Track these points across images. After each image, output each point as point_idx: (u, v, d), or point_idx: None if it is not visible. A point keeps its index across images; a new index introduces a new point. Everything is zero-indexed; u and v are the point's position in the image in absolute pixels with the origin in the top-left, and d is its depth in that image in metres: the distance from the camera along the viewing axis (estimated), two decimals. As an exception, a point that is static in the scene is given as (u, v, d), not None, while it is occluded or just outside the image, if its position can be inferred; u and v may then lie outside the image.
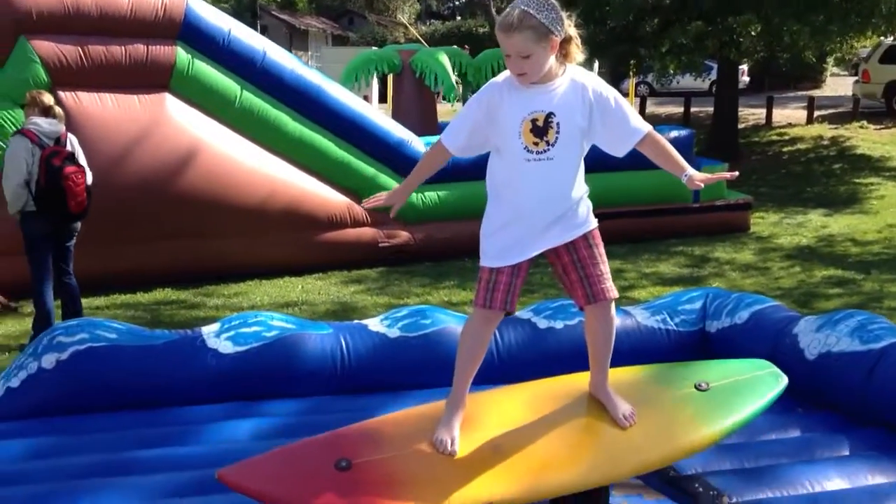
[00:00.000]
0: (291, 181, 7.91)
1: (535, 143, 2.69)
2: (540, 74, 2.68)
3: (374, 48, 17.79)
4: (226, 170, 7.59)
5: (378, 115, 8.72)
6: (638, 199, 9.18)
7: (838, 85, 25.84)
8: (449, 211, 8.37)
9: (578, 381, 3.07)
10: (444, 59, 12.18)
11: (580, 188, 2.83)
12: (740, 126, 17.05)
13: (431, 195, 8.38)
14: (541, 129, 2.69)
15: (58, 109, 5.79)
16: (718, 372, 3.15)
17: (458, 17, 36.82)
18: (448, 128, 2.84)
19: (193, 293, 7.32)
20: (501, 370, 4.23)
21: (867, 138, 16.65)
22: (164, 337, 4.18)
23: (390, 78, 13.51)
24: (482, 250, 2.83)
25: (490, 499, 2.59)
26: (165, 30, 7.46)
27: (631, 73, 19.39)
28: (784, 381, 3.15)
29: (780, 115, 19.33)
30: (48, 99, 5.76)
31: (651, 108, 21.63)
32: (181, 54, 7.52)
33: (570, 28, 2.70)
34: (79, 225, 5.83)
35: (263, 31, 29.93)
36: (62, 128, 5.72)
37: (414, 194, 7.80)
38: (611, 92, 2.79)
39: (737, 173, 3.13)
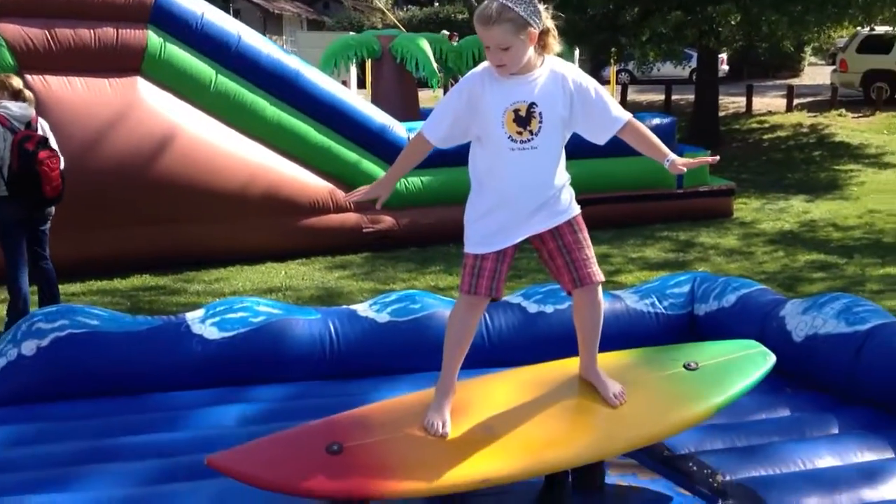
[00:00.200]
0: (271, 166, 7.83)
1: (519, 133, 2.74)
2: (519, 65, 2.72)
3: (351, 33, 17.68)
4: (203, 154, 7.49)
5: (359, 101, 8.65)
6: (622, 185, 9.19)
7: (816, 74, 26.04)
8: (433, 196, 8.33)
9: (568, 366, 3.10)
10: (425, 44, 12.12)
11: (563, 176, 2.88)
12: (721, 114, 17.14)
13: (415, 181, 8.33)
14: (524, 119, 2.74)
15: (28, 93, 5.68)
16: (707, 352, 3.19)
17: (437, 4, 36.66)
18: (428, 119, 2.87)
19: (173, 279, 7.24)
20: (492, 354, 4.21)
21: (846, 126, 16.79)
22: (147, 323, 4.11)
23: (369, 63, 13.42)
24: (466, 237, 2.87)
25: (484, 477, 2.59)
26: (136, 13, 7.34)
27: (612, 62, 19.42)
28: (772, 359, 3.18)
29: (760, 103, 19.45)
30: (17, 82, 5.65)
31: (632, 95, 21.70)
32: (153, 38, 7.40)
33: (547, 20, 2.75)
34: (53, 209, 5.75)
35: (236, 16, 29.65)
36: (32, 112, 5.62)
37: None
38: (590, 82, 2.85)
39: (717, 157, 3.20)
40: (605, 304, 4.47)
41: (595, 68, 23.80)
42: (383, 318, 4.27)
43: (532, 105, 2.74)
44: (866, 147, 14.94)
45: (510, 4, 2.64)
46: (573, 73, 2.83)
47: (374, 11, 34.63)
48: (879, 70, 19.43)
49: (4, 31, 6.92)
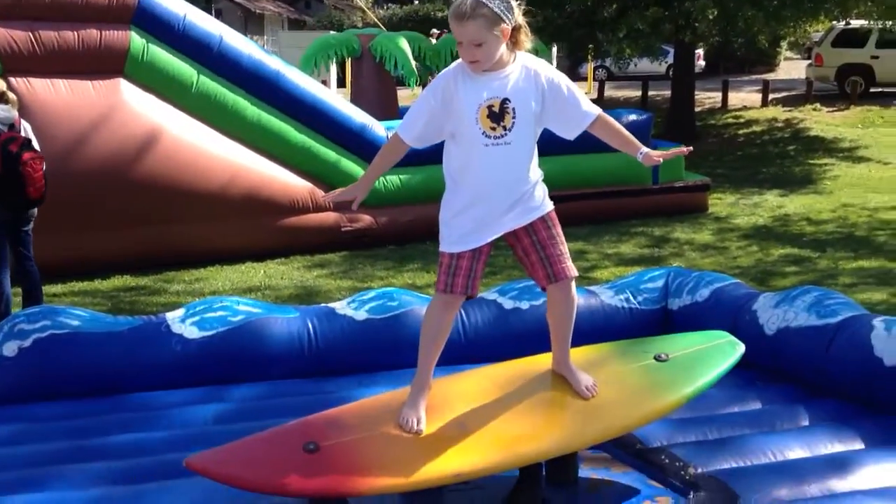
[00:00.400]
0: (251, 166, 7.85)
1: (493, 129, 2.78)
2: (492, 62, 2.77)
3: (332, 32, 17.66)
4: (184, 155, 7.50)
5: (339, 100, 8.68)
6: (598, 181, 9.26)
7: (792, 68, 26.26)
8: (411, 195, 8.37)
9: (541, 362, 3.15)
10: (404, 43, 12.15)
11: (536, 172, 2.93)
12: (697, 109, 17.27)
13: (394, 179, 8.37)
14: (497, 115, 2.78)
15: (11, 95, 5.70)
16: (677, 344, 3.25)
17: (416, 2, 36.65)
18: (404, 120, 2.91)
19: (153, 280, 7.25)
20: (468, 350, 4.26)
21: (820, 120, 16.97)
22: (128, 323, 4.14)
23: (349, 62, 13.43)
24: (442, 236, 2.91)
25: (457, 472, 2.64)
26: (119, 14, 7.34)
27: (589, 58, 19.52)
28: (741, 348, 3.25)
29: (736, 98, 19.61)
30: (1, 85, 5.66)
31: (609, 91, 21.81)
32: (136, 39, 7.41)
33: (519, 16, 2.79)
34: (35, 210, 5.75)
35: (217, 15, 29.53)
36: (15, 114, 5.64)
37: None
38: (562, 78, 2.91)
39: (691, 148, 3.25)
40: (579, 300, 4.58)
41: (573, 65, 23.90)
42: (361, 315, 4.31)
43: (505, 101, 2.78)
44: (840, 141, 15.11)
45: (484, 0, 2.69)
46: (545, 69, 2.88)
47: (355, 10, 34.58)
48: (854, 64, 19.65)
49: None
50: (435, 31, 16.36)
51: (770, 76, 23.06)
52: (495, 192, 2.84)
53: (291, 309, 4.40)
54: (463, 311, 4.41)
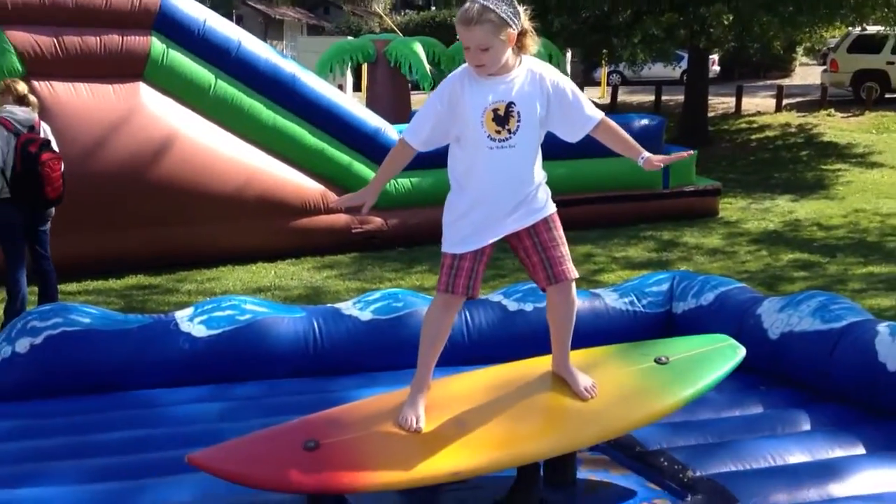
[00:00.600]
0: (266, 169, 7.93)
1: (498, 132, 2.82)
2: (498, 66, 2.80)
3: (349, 38, 17.76)
4: (201, 158, 7.59)
5: (353, 105, 8.75)
6: (609, 185, 9.28)
7: (807, 74, 26.15)
8: (422, 197, 8.41)
9: (541, 364, 3.16)
10: (419, 48, 12.23)
11: (539, 174, 2.96)
12: (710, 114, 17.24)
13: (404, 182, 8.42)
14: (502, 118, 2.82)
15: (32, 98, 5.81)
16: (678, 347, 3.26)
17: (433, 8, 36.73)
18: (410, 124, 2.95)
19: (166, 279, 7.32)
20: (472, 351, 4.30)
21: (834, 126, 16.89)
22: (138, 321, 4.20)
23: (364, 67, 13.52)
24: (444, 237, 2.95)
25: (454, 470, 2.66)
26: (141, 20, 7.44)
27: (603, 63, 19.51)
28: (742, 352, 3.26)
29: (750, 103, 19.55)
30: (22, 87, 5.77)
31: (623, 96, 21.79)
32: (156, 44, 7.51)
33: (525, 21, 2.83)
34: (53, 210, 5.85)
35: (238, 21, 29.69)
36: (35, 116, 5.75)
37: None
38: (567, 82, 2.94)
39: (692, 152, 3.25)
40: (584, 303, 4.62)
41: (587, 70, 23.90)
42: (366, 316, 4.35)
43: (510, 104, 2.82)
44: (854, 147, 15.04)
45: (490, 6, 2.73)
46: (550, 73, 2.91)
47: (373, 16, 34.73)
48: (869, 70, 19.57)
49: (14, 38, 7.03)
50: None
51: (785, 82, 22.95)
52: (499, 195, 2.87)
53: (298, 309, 4.45)
54: (467, 313, 4.45)
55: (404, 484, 2.67)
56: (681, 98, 17.75)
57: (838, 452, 3.40)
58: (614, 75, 25.30)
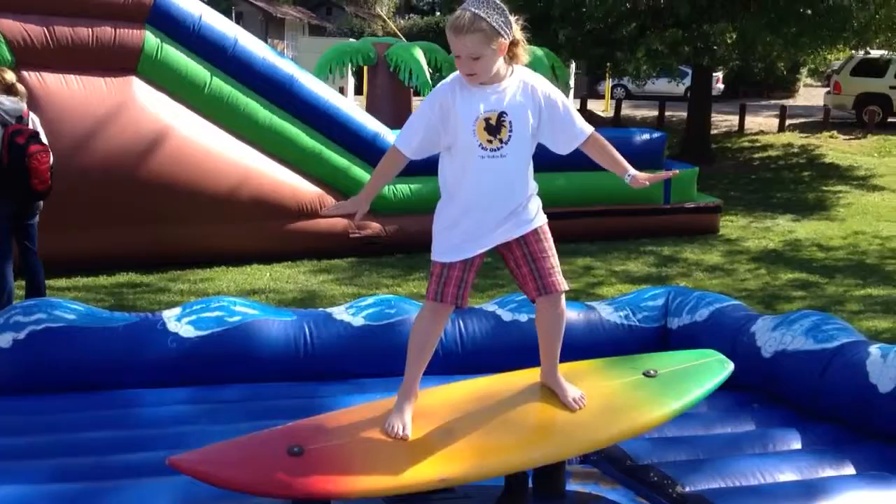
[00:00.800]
0: (261, 169, 7.86)
1: (490, 142, 2.80)
2: (489, 75, 2.78)
3: (350, 40, 17.75)
4: (194, 156, 7.53)
5: (351, 107, 8.70)
6: (611, 198, 9.22)
7: (811, 95, 26.21)
8: (421, 204, 8.34)
9: (530, 375, 3.15)
10: (419, 53, 12.20)
11: (531, 185, 2.94)
12: (713, 132, 17.25)
13: (403, 188, 8.38)
14: (494, 128, 2.80)
15: (20, 87, 5.71)
16: (667, 361, 3.25)
17: (437, 13, 36.81)
18: (401, 132, 2.92)
19: (158, 278, 7.27)
20: (465, 360, 4.26)
21: (836, 148, 16.91)
22: (124, 319, 4.15)
23: (365, 70, 13.51)
24: (434, 246, 2.93)
25: (441, 477, 2.63)
26: (134, 13, 7.37)
27: (607, 76, 19.53)
28: (730, 366, 3.25)
29: (753, 122, 19.58)
30: (10, 76, 5.68)
31: (626, 110, 21.82)
32: (150, 38, 7.44)
33: (517, 31, 2.80)
34: (41, 203, 5.77)
35: (238, 19, 29.70)
36: (24, 106, 5.65)
37: (386, 187, 7.80)
38: (558, 94, 2.92)
39: (678, 172, 3.24)
40: (579, 315, 4.58)
41: (591, 83, 23.93)
42: (358, 321, 4.31)
43: (502, 114, 2.79)
44: (855, 169, 15.05)
45: (482, 14, 2.70)
46: (542, 84, 2.89)
47: (376, 18, 34.79)
48: (872, 93, 19.61)
49: (3, 26, 6.94)
50: None
51: (789, 102, 23.00)
52: (489, 205, 2.85)
53: (288, 312, 4.40)
54: (461, 322, 4.41)
55: (390, 490, 2.63)
56: (684, 114, 17.76)
57: (828, 472, 3.39)
58: (619, 89, 25.35)
